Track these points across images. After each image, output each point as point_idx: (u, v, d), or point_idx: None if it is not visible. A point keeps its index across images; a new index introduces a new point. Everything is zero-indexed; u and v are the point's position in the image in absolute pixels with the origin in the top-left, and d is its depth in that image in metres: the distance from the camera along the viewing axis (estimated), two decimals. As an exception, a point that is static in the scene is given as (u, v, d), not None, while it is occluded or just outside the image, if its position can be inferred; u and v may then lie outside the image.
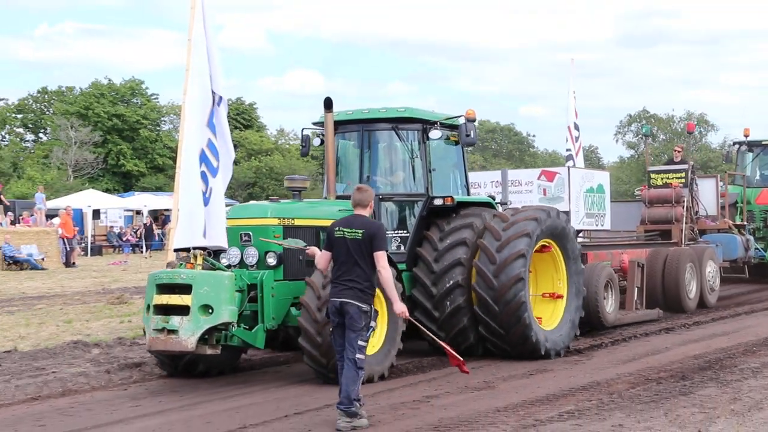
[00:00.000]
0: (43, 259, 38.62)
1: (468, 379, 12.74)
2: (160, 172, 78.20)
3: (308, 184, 14.68)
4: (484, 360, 14.80)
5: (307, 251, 12.23)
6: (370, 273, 10.67)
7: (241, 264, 13.52)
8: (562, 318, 15.54)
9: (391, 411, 11.33)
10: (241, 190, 75.40)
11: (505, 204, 17.06)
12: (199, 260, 13.02)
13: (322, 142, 15.46)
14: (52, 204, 50.55)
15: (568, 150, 31.63)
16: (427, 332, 12.98)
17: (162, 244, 49.68)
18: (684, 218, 22.95)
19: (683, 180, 23.64)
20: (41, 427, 10.94)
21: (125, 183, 77.80)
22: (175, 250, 14.48)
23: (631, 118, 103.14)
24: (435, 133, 15.12)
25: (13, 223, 45.07)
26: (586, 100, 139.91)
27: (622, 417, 10.64)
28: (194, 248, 13.21)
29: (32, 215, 46.51)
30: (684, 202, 23.15)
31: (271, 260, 13.43)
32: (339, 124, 15.38)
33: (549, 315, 15.56)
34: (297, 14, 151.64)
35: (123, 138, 78.50)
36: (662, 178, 23.96)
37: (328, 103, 14.38)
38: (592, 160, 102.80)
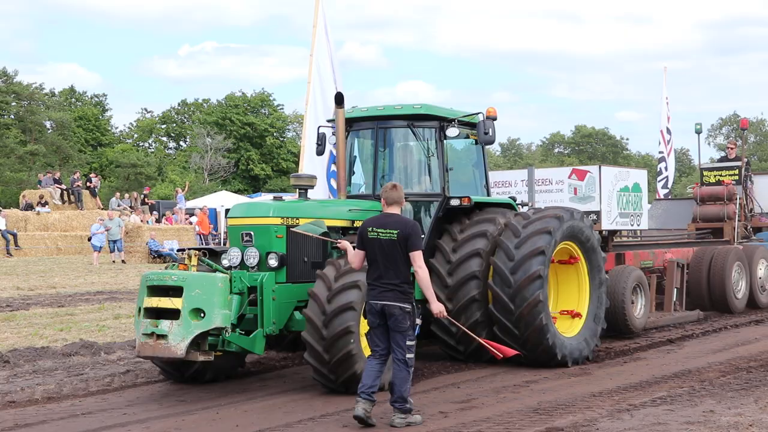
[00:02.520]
0: (182, 252, 38.44)
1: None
2: (284, 174, 77.57)
3: (315, 182, 12.68)
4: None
5: (338, 244, 10.50)
6: (407, 271, 9.47)
7: (243, 266, 11.64)
8: (582, 328, 13.29)
9: (494, 394, 10.92)
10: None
11: (527, 204, 14.81)
12: (194, 261, 11.20)
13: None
14: (190, 204, 50.57)
15: (660, 152, 30.26)
16: (467, 330, 11.22)
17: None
18: (736, 216, 20.27)
19: (736, 177, 20.95)
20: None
21: (253, 185, 77.41)
22: (178, 250, 12.80)
23: (723, 121, 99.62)
24: (452, 131, 12.99)
25: (157, 221, 45.65)
26: (677, 105, 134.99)
27: (713, 403, 10.10)
28: (190, 248, 11.47)
29: (174, 214, 46.75)
30: (736, 199, 20.44)
31: (273, 261, 11.53)
32: (353, 122, 13.42)
33: (567, 326, 13.32)
34: (409, 30, 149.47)
35: (252, 144, 78.27)
36: (715, 176, 21.32)
37: (339, 99, 12.40)
38: (684, 162, 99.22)
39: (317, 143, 13.98)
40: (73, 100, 78.00)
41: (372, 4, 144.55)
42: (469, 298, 12.51)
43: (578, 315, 13.30)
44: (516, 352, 10.57)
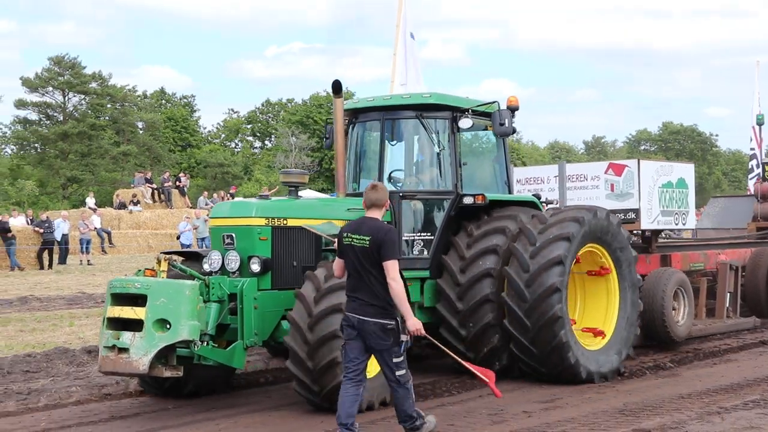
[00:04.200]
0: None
1: (650, 366, 11.76)
2: (366, 173, 75.98)
3: (307, 179, 10.89)
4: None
5: (334, 244, 8.93)
6: (386, 284, 7.90)
7: (225, 271, 9.98)
8: (611, 338, 11.29)
9: (579, 394, 10.25)
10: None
11: (552, 203, 12.78)
12: (163, 266, 9.54)
13: (346, 133, 11.74)
14: (276, 202, 49.09)
15: (752, 149, 28.42)
16: (447, 350, 9.26)
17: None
18: (801, 214, 17.83)
19: (804, 172, 18.51)
20: None
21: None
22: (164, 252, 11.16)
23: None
24: (465, 122, 11.15)
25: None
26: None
27: (808, 408, 9.18)
28: (167, 252, 9.87)
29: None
30: (802, 196, 17.99)
31: (255, 266, 9.88)
32: (359, 112, 11.66)
33: (591, 341, 11.36)
34: (492, 28, 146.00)
35: (336, 144, 76.44)
36: (780, 171, 18.90)
37: (336, 87, 10.60)
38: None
39: (325, 137, 12.20)
40: (163, 101, 77.68)
41: (454, 2, 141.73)
42: (481, 298, 10.74)
43: (602, 334, 11.34)
44: (497, 392, 8.60)
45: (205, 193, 47.88)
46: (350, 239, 8.01)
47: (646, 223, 13.27)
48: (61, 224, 32.98)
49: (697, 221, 16.74)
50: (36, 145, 65.89)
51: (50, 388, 10.69)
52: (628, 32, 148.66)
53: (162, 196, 45.47)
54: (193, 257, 10.71)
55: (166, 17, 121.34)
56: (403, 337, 7.96)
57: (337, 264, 8.29)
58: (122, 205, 43.49)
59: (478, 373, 8.61)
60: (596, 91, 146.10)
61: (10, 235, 30.59)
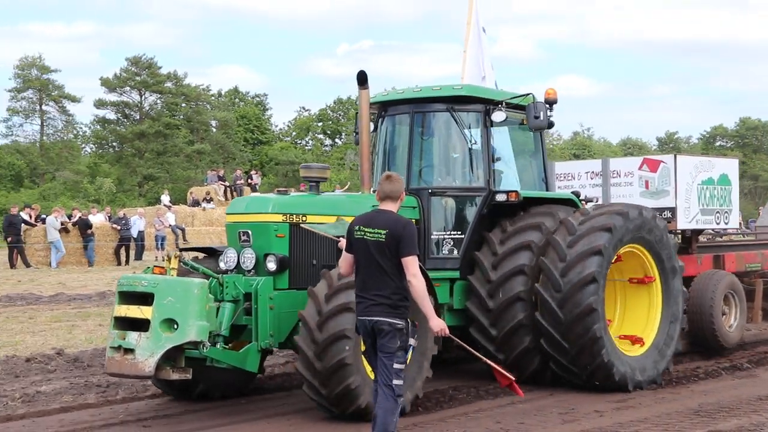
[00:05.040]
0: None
1: (726, 367, 11.27)
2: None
3: (328, 174, 10.15)
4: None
5: (338, 243, 8.21)
6: (400, 281, 7.08)
7: (240, 269, 9.33)
8: (650, 347, 10.42)
9: (652, 394, 9.92)
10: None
11: (591, 200, 11.82)
12: (173, 263, 8.92)
13: (376, 127, 11.01)
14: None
15: None
16: (471, 350, 8.44)
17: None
18: None
19: None
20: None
21: (406, 181, 75.15)
22: (182, 250, 10.57)
23: None
24: (498, 115, 10.35)
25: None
26: None
27: None
28: (185, 248, 9.27)
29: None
30: None
31: (271, 264, 9.22)
32: (388, 105, 10.95)
33: (628, 348, 10.50)
34: (565, 23, 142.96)
35: (404, 141, 75.77)
36: None
37: (362, 78, 9.81)
38: None
39: (354, 132, 11.46)
40: (237, 100, 77.67)
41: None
42: (513, 296, 9.95)
43: (640, 341, 10.43)
44: (520, 393, 7.82)
45: (276, 190, 47.44)
46: (362, 233, 7.18)
47: (683, 223, 12.24)
48: (137, 221, 32.93)
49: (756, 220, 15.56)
50: (114, 143, 66.40)
51: (128, 381, 10.34)
52: (705, 25, 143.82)
53: (234, 193, 45.20)
54: (211, 254, 10.07)
55: (239, 17, 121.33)
56: (412, 341, 7.17)
57: (346, 260, 7.45)
58: (196, 203, 43.43)
59: (504, 372, 7.81)
60: (672, 86, 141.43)
61: (90, 231, 30.70)
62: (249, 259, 9.28)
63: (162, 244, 33.58)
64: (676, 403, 9.38)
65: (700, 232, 12.97)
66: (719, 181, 12.71)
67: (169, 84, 64.71)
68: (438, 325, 7.15)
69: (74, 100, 62.68)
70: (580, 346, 9.68)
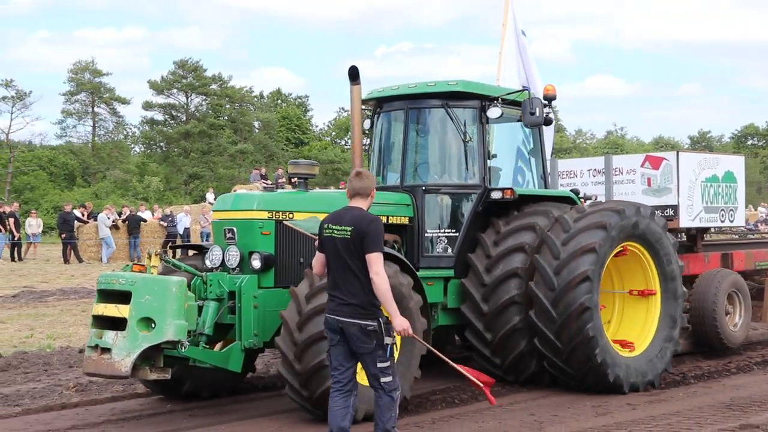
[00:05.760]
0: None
1: (758, 362, 11.16)
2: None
3: (316, 171, 9.75)
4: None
5: (315, 242, 7.72)
6: (369, 280, 6.77)
7: (225, 267, 8.97)
8: (648, 348, 9.89)
9: (684, 388, 9.84)
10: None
11: (591, 198, 11.28)
12: (154, 261, 8.55)
13: (372, 124, 10.60)
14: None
15: None
16: (441, 355, 7.88)
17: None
18: None
19: None
20: None
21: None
22: (171, 247, 10.26)
23: None
24: (494, 112, 9.90)
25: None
26: None
27: None
28: (174, 246, 8.95)
29: (368, 207, 45.09)
30: None
31: (256, 262, 8.87)
32: (383, 101, 10.57)
33: (638, 333, 10.06)
34: (597, 24, 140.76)
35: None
36: None
37: (353, 74, 9.42)
38: None
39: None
40: (279, 101, 77.72)
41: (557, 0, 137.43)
42: (508, 299, 9.50)
43: (630, 345, 9.90)
44: (491, 399, 7.37)
45: (317, 188, 47.13)
46: (331, 231, 6.91)
47: (686, 221, 11.65)
48: (183, 218, 33.12)
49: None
50: (161, 144, 66.88)
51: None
52: (736, 25, 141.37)
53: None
54: (200, 251, 9.74)
55: (280, 21, 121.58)
56: (388, 340, 6.83)
57: (318, 259, 7.17)
58: (240, 200, 43.67)
59: (473, 378, 7.40)
60: (704, 86, 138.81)
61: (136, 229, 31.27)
62: (234, 256, 8.94)
63: (207, 240, 33.70)
64: (708, 397, 9.29)
65: (705, 230, 12.37)
66: (724, 179, 12.10)
67: (214, 86, 65.13)
68: (401, 324, 6.83)
69: (124, 102, 63.69)
70: (573, 345, 9.25)
